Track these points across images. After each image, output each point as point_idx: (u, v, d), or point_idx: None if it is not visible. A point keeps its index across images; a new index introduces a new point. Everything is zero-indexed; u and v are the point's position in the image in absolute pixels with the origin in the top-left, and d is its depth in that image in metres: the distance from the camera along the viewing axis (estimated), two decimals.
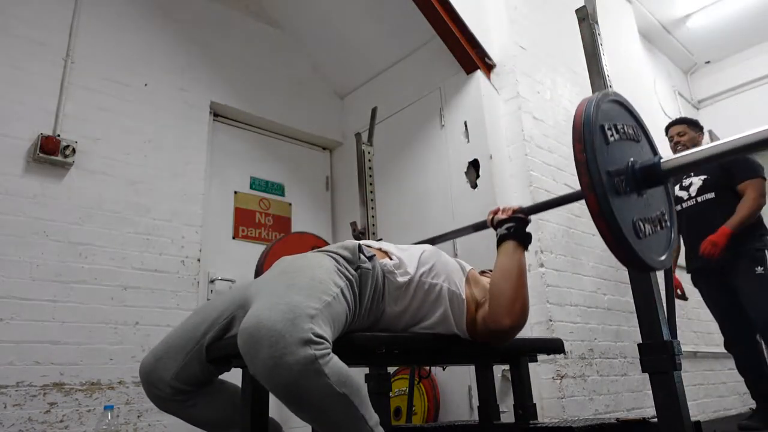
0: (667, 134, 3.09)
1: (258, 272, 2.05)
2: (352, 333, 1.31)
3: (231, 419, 1.33)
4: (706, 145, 1.13)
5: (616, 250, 1.04)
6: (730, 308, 2.79)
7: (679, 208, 2.89)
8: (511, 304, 1.30)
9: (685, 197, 2.91)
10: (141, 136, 2.79)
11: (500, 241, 1.44)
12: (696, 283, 2.98)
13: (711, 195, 2.83)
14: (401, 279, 1.34)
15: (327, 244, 2.30)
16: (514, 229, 1.43)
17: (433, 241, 2.02)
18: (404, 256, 1.40)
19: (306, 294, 1.10)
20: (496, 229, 1.49)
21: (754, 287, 2.64)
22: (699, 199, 2.86)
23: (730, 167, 2.76)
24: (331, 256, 1.27)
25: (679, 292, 2.94)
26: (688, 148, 2.78)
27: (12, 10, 2.54)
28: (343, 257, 1.28)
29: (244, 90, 3.35)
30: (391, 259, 1.39)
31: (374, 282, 1.30)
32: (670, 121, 3.17)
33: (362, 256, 1.31)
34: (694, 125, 3.05)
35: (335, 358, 1.05)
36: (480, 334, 1.39)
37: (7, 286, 2.22)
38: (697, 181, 2.89)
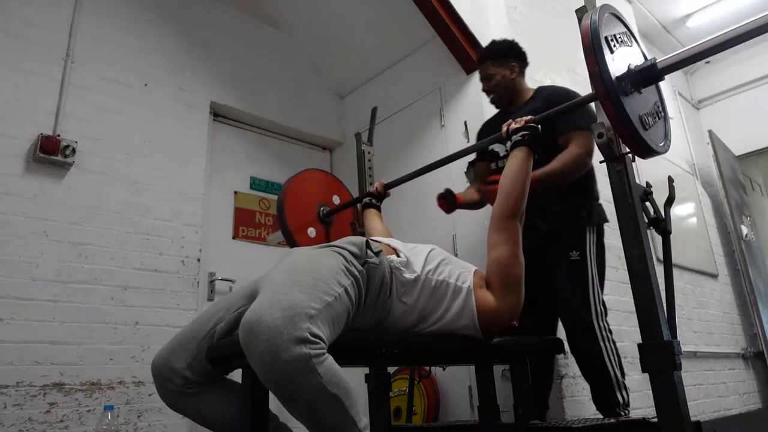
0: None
1: (280, 208, 2.21)
2: (354, 331, 1.32)
3: (236, 420, 1.34)
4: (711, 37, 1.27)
5: (632, 143, 1.28)
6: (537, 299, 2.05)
7: (494, 166, 2.25)
8: (520, 203, 1.47)
9: (502, 153, 2.20)
10: (141, 136, 2.79)
11: (513, 147, 1.59)
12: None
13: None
14: (408, 276, 1.37)
15: (331, 176, 2.50)
16: (528, 136, 1.57)
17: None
18: (411, 255, 1.43)
19: (308, 293, 1.12)
20: (510, 137, 1.62)
21: (566, 278, 2.00)
22: None
23: (555, 115, 1.99)
24: (339, 252, 1.29)
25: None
26: (502, 95, 2.26)
27: (12, 9, 2.54)
28: (351, 252, 1.30)
29: (244, 90, 3.35)
30: (398, 255, 1.41)
31: (381, 277, 1.32)
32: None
33: (369, 252, 1.32)
34: (501, 56, 2.25)
35: (330, 359, 1.07)
36: (495, 310, 1.40)
37: (7, 286, 2.22)
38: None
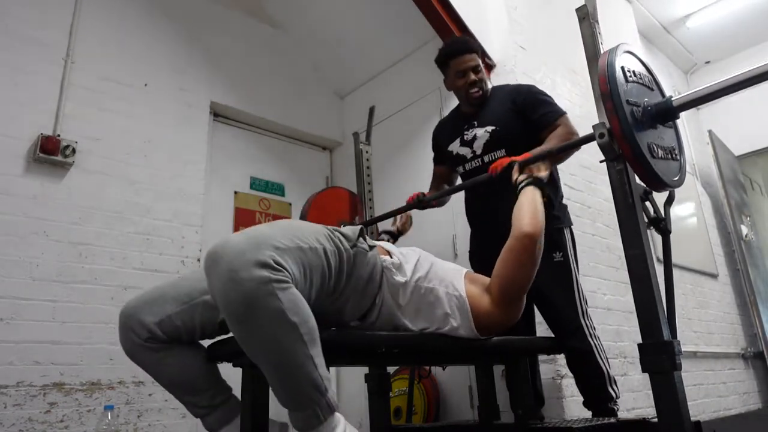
0: (448, 65, 2.15)
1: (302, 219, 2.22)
2: (354, 331, 1.31)
3: (195, 385, 1.31)
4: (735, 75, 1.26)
5: (635, 164, 1.26)
6: None
7: (461, 170, 2.17)
8: (533, 219, 1.42)
9: (469, 155, 2.12)
10: (141, 136, 2.79)
11: (520, 189, 1.56)
12: (473, 265, 2.19)
13: (501, 153, 2.03)
14: (399, 278, 1.36)
15: (356, 196, 2.52)
16: (533, 180, 1.56)
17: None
18: (402, 260, 1.42)
19: (280, 233, 1.12)
20: (516, 186, 1.59)
21: (551, 280, 1.91)
22: (486, 158, 2.07)
23: (526, 108, 2.05)
24: (328, 228, 1.29)
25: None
26: (485, 91, 2.13)
27: (12, 10, 2.54)
28: (342, 233, 1.30)
29: (244, 90, 3.35)
30: (391, 257, 1.41)
31: (370, 271, 1.31)
32: (451, 48, 2.17)
33: (362, 240, 1.32)
34: (481, 49, 2.20)
35: (295, 291, 1.04)
36: (492, 316, 1.39)
37: (7, 286, 2.22)
38: (482, 134, 2.09)
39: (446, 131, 2.26)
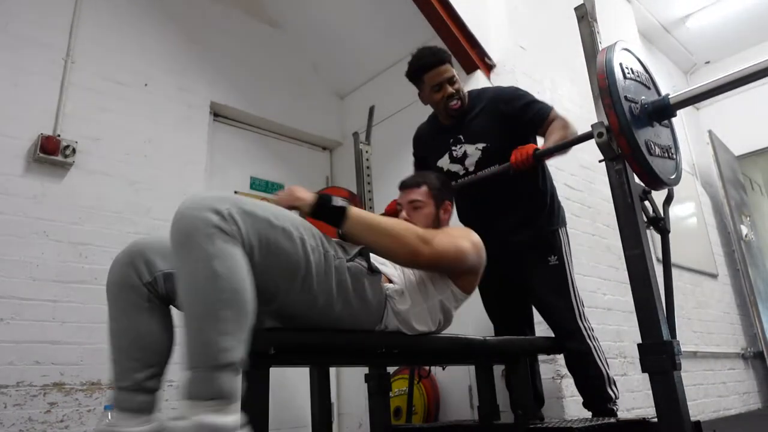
0: (422, 80, 2.05)
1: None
2: (354, 331, 1.32)
3: (148, 356, 1.19)
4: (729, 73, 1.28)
5: (632, 161, 1.26)
6: (510, 309, 2.13)
7: (454, 183, 2.05)
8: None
9: (461, 172, 2.06)
10: (141, 136, 2.79)
11: None
12: None
13: (495, 168, 1.96)
14: (401, 306, 1.38)
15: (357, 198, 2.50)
16: None
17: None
18: (401, 285, 1.43)
19: (258, 204, 1.11)
20: None
21: (547, 285, 1.95)
22: (481, 175, 2.01)
23: (515, 114, 1.98)
24: (327, 236, 1.27)
25: None
26: (462, 100, 2.05)
27: (12, 10, 2.54)
28: (340, 243, 1.29)
29: (244, 90, 3.35)
30: (391, 282, 1.42)
31: (378, 295, 1.33)
32: (423, 62, 2.03)
33: (361, 257, 1.32)
34: (451, 58, 2.08)
35: (235, 249, 1.02)
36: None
37: (7, 286, 2.22)
38: (473, 152, 2.02)
39: (431, 145, 2.18)
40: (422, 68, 2.02)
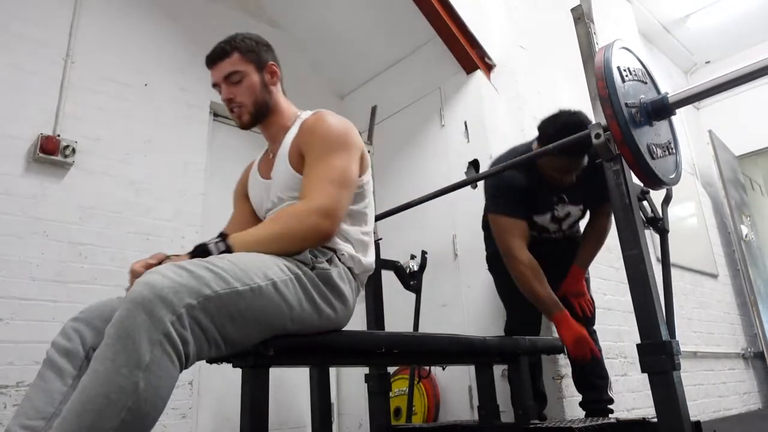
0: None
1: None
2: (354, 331, 1.32)
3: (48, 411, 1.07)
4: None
5: (636, 167, 1.27)
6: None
7: (535, 233, 2.06)
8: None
9: (553, 229, 2.10)
10: (141, 136, 2.79)
11: None
12: (492, 268, 2.28)
13: (577, 227, 2.17)
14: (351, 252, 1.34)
15: None
16: None
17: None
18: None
19: (216, 279, 1.00)
20: None
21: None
22: (567, 232, 2.13)
23: (601, 187, 1.74)
24: (288, 258, 1.21)
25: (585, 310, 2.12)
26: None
27: (12, 9, 2.54)
28: (299, 259, 1.22)
29: None
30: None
31: (350, 282, 1.31)
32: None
33: (319, 259, 1.26)
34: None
35: (176, 370, 0.91)
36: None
37: (7, 286, 2.22)
38: (575, 212, 2.06)
39: (535, 200, 2.01)
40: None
